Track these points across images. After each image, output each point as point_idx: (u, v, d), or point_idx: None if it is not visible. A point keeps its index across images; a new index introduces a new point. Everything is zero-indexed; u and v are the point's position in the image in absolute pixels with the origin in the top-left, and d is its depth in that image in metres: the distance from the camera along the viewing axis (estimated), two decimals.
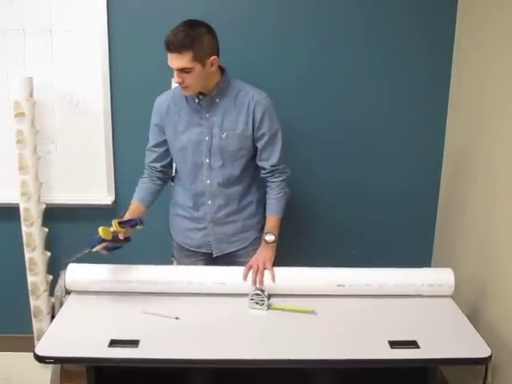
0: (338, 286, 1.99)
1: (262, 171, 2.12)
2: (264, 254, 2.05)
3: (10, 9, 2.40)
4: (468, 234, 2.33)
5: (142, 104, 2.42)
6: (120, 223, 1.90)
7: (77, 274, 2.01)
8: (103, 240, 1.87)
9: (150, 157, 2.16)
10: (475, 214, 2.26)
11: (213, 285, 1.99)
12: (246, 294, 1.95)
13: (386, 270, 2.02)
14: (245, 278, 1.99)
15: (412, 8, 2.43)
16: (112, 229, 1.88)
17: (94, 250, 1.87)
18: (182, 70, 1.87)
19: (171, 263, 2.49)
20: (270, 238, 2.07)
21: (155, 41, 2.41)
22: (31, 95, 2.39)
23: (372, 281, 1.99)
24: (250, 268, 2.00)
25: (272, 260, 2.04)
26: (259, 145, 2.06)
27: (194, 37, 1.85)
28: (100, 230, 1.85)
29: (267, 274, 1.99)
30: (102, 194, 2.61)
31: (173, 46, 1.84)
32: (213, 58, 1.91)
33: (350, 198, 2.66)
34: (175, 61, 1.86)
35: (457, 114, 2.48)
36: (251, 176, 2.13)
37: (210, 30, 1.91)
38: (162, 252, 2.35)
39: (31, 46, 2.44)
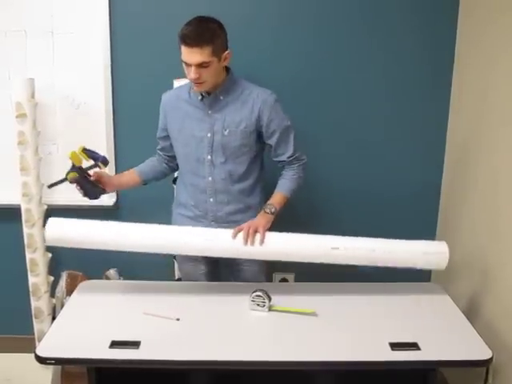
0: (333, 248, 1.97)
1: (279, 164, 2.13)
2: (259, 220, 2.03)
3: (11, 10, 2.40)
4: (468, 234, 2.33)
5: (143, 105, 2.44)
6: (84, 149, 1.95)
7: (59, 228, 2.02)
8: (74, 167, 1.95)
9: (158, 145, 2.23)
10: (476, 215, 2.26)
11: (204, 241, 2.00)
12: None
13: (381, 239, 2.02)
14: (233, 237, 1.98)
15: (413, 9, 2.44)
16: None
17: (67, 176, 1.96)
18: (200, 65, 1.87)
19: (172, 264, 2.50)
20: (270, 208, 2.05)
21: (157, 43, 2.43)
22: (33, 96, 2.40)
23: (366, 245, 1.99)
24: (240, 230, 2.00)
25: (266, 228, 2.00)
26: (271, 141, 2.07)
27: (212, 31, 1.87)
28: (70, 152, 1.93)
29: (257, 238, 1.97)
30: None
31: (193, 41, 1.84)
32: (226, 52, 1.93)
33: (350, 198, 2.66)
34: (195, 55, 1.85)
35: (458, 115, 2.48)
36: (255, 176, 2.13)
37: (221, 25, 1.94)
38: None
39: (33, 48, 2.45)
